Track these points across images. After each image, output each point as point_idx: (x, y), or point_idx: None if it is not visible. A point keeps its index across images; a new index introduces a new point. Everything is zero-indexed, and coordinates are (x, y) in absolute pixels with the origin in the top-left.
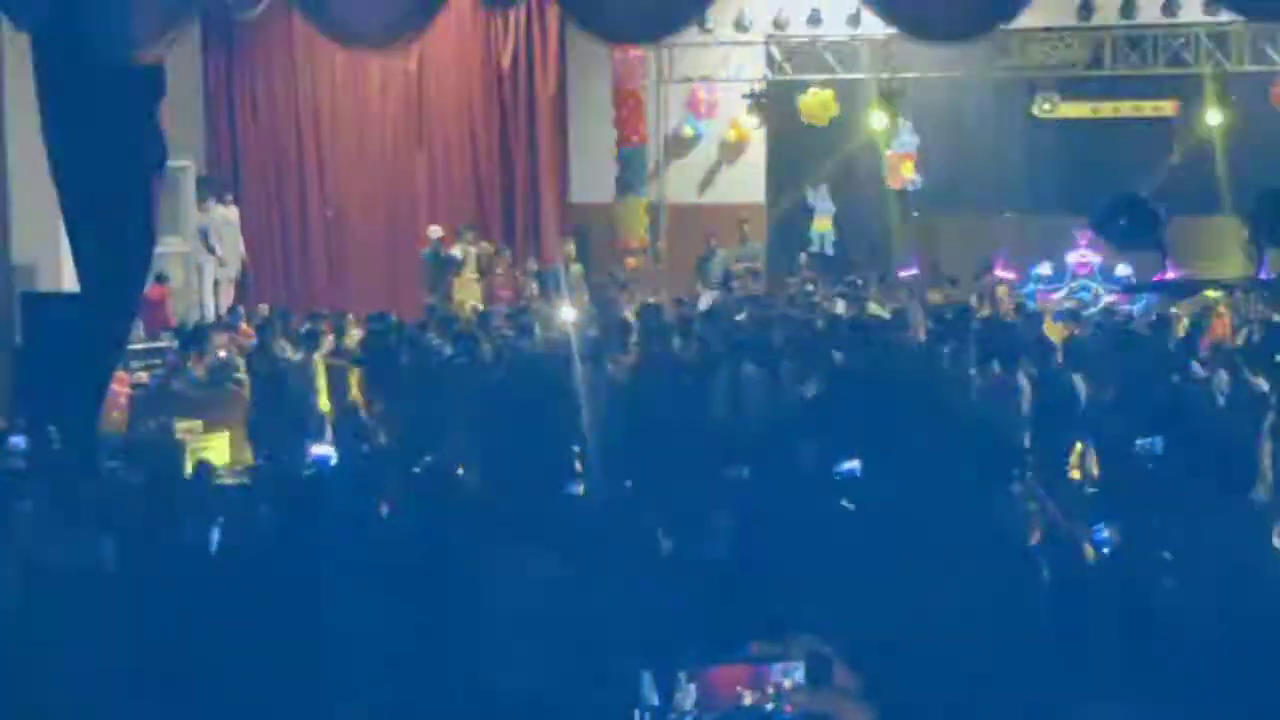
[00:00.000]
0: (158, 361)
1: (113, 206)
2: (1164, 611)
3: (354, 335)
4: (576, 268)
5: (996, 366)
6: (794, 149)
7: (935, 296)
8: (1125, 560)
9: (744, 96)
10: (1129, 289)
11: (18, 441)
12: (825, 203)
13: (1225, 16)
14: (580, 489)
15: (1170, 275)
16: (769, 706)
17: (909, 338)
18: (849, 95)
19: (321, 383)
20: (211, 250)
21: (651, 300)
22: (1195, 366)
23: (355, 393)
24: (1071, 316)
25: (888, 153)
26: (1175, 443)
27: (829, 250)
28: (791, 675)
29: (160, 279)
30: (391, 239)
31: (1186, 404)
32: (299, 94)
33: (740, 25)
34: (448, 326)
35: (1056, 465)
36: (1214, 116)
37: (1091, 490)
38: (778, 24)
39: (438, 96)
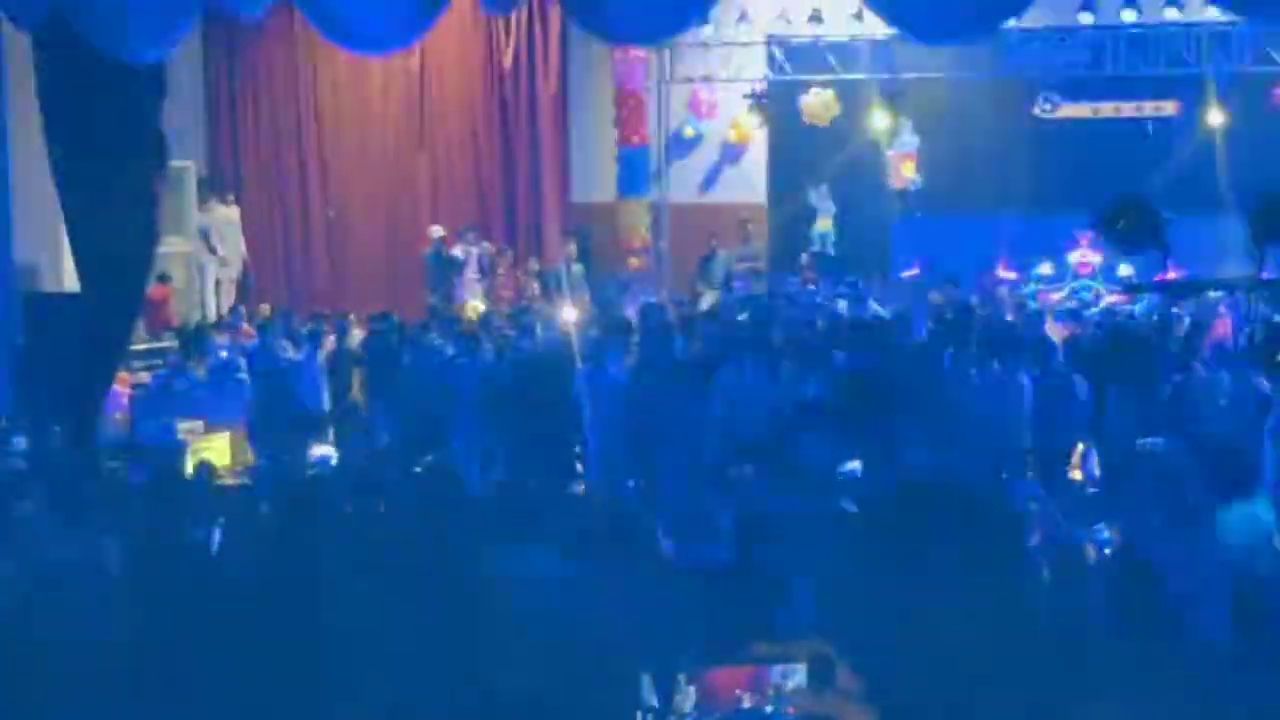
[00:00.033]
0: (159, 361)
1: (114, 206)
2: (1165, 612)
3: (356, 335)
4: (578, 268)
5: (997, 366)
6: (795, 149)
7: (936, 297)
8: (1126, 561)
9: (745, 96)
10: (1130, 289)
11: (19, 441)
12: (826, 203)
13: (1226, 17)
14: (581, 489)
15: (1171, 275)
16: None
17: (910, 338)
18: (850, 95)
19: (323, 383)
20: (213, 250)
21: (653, 300)
22: (1197, 367)
23: (357, 393)
24: (1073, 316)
25: (889, 153)
26: (1177, 443)
27: (830, 250)
28: (794, 677)
29: (162, 279)
30: (393, 239)
31: (1188, 404)
32: (301, 94)
33: (742, 25)
34: (449, 327)
35: (1058, 465)
36: (1215, 117)
37: (1092, 491)
38: (779, 24)
39: (439, 97)
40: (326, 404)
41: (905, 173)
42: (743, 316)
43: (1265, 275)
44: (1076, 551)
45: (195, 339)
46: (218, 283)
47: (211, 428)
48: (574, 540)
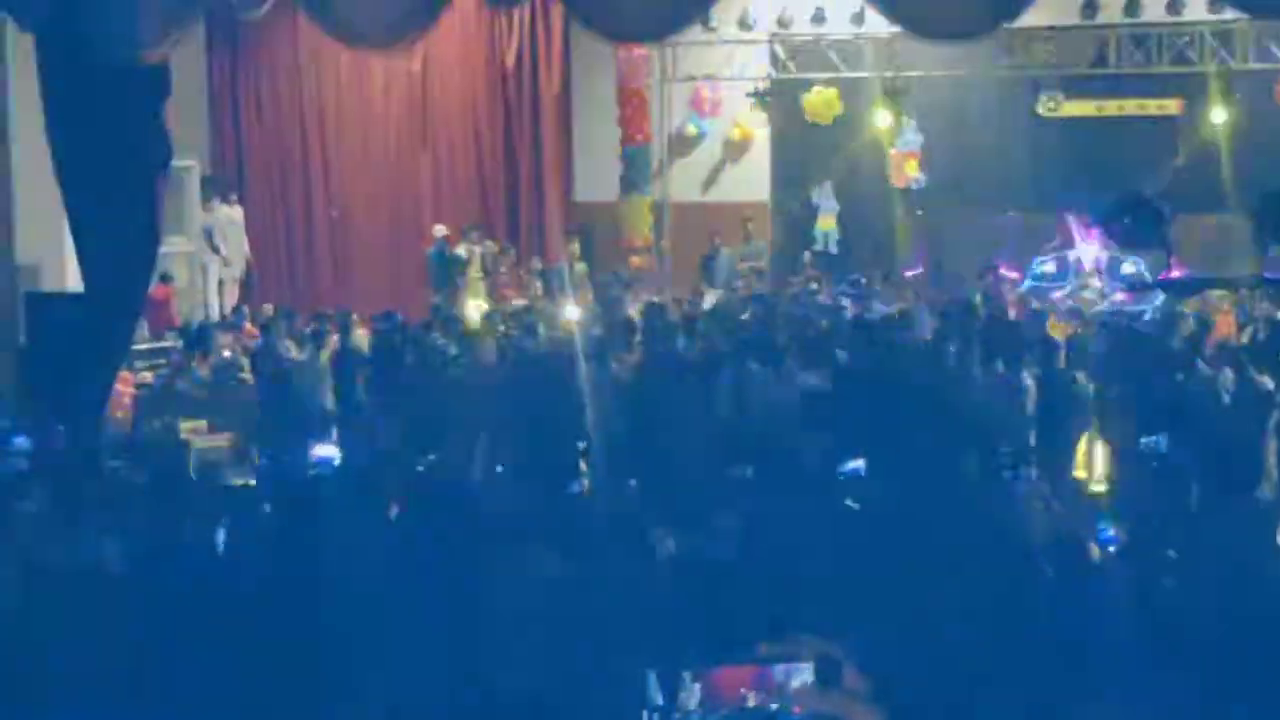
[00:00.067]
0: (162, 361)
1: (117, 206)
2: (1168, 611)
3: (359, 335)
4: (581, 267)
5: (1001, 365)
6: (798, 147)
7: (939, 295)
8: (1130, 559)
9: (748, 95)
10: (1134, 287)
11: (22, 441)
12: (829, 201)
13: (1230, 14)
14: (584, 488)
15: (1175, 274)
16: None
17: (913, 337)
18: (853, 94)
19: (326, 383)
20: (216, 250)
21: (656, 299)
22: (1200, 365)
23: (360, 393)
24: (1076, 315)
25: (892, 151)
26: (1180, 441)
27: (833, 249)
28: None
29: (165, 279)
30: (396, 238)
31: (1191, 403)
32: (303, 93)
33: (744, 24)
34: (452, 326)
35: (1062, 464)
36: (1219, 115)
37: (1096, 489)
38: (782, 22)
39: (442, 96)
40: (329, 404)
41: (908, 171)
42: (746, 315)
43: (1268, 274)
44: (1081, 551)
45: (198, 339)
46: (220, 282)
47: (214, 427)
48: (576, 540)
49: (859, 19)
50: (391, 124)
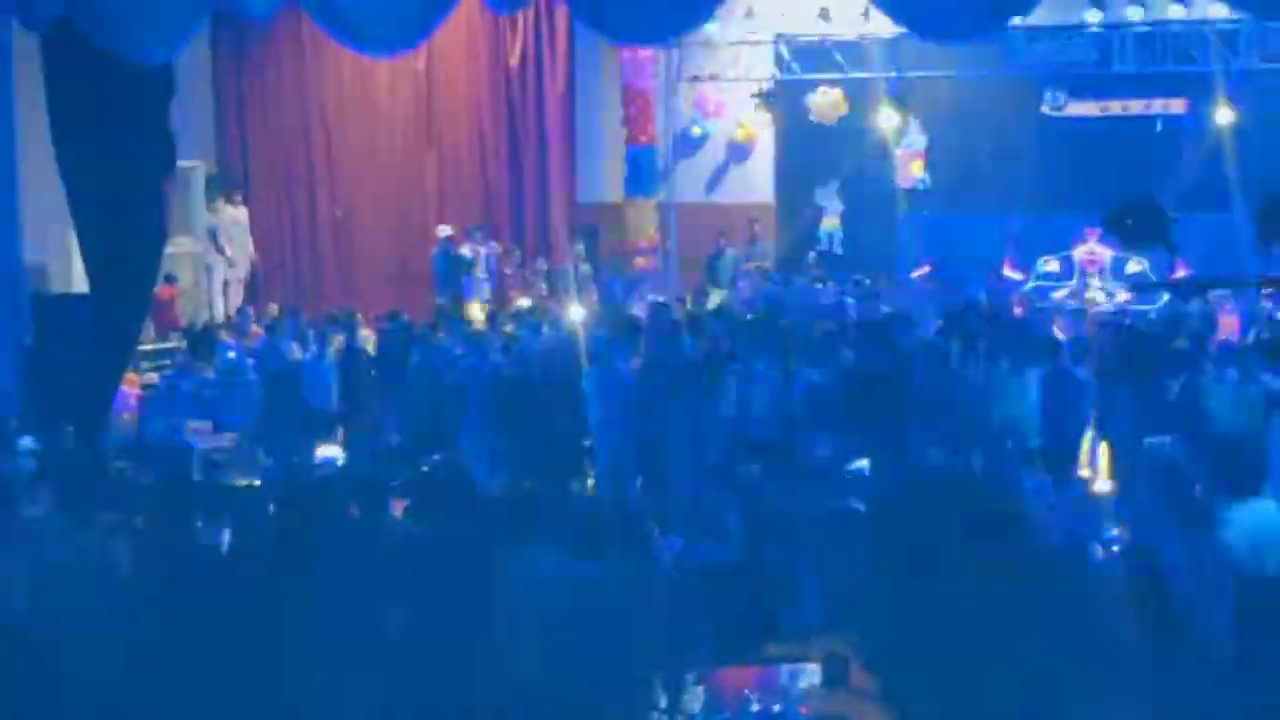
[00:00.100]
0: (167, 362)
1: (122, 207)
2: (1173, 610)
3: (364, 335)
4: (586, 267)
5: (1005, 365)
6: (803, 148)
7: (944, 295)
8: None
9: (753, 96)
10: (1138, 287)
11: (28, 442)
12: (834, 202)
13: (1235, 14)
14: (590, 488)
15: (1180, 274)
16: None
17: (918, 336)
18: (858, 94)
19: (331, 383)
20: (221, 250)
21: (661, 299)
22: (1205, 365)
23: (365, 393)
24: (1080, 314)
25: (897, 152)
26: (1184, 441)
27: (838, 249)
28: (806, 677)
29: (170, 279)
30: (401, 239)
31: (1195, 403)
32: (309, 94)
33: (749, 24)
34: (457, 326)
35: (1065, 464)
36: (1223, 115)
37: (1100, 489)
38: (787, 23)
39: (447, 96)
40: (335, 404)
41: (913, 171)
42: (750, 316)
43: (1273, 274)
44: (1084, 550)
45: (203, 339)
46: (226, 283)
47: (219, 428)
48: (582, 540)
49: (864, 19)
50: (396, 124)
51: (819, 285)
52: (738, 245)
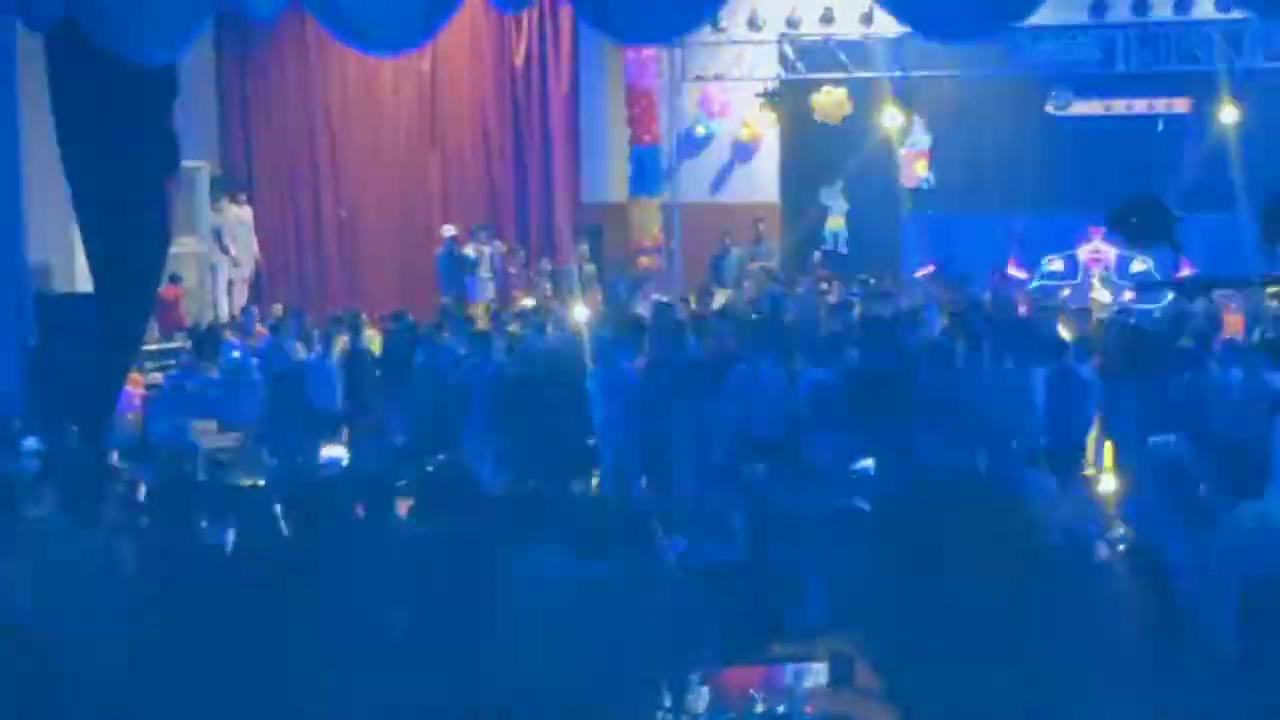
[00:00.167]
0: (171, 362)
1: (127, 207)
2: (1177, 609)
3: (368, 335)
4: (590, 267)
5: (1010, 364)
6: (807, 148)
7: (949, 294)
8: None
9: (757, 95)
10: (1143, 286)
11: (32, 442)
12: (839, 201)
13: (1238, 13)
14: (594, 488)
15: (1184, 273)
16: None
17: (923, 336)
18: (862, 94)
19: (336, 383)
20: (225, 250)
21: (665, 299)
22: (1209, 364)
23: (370, 393)
24: (1085, 313)
25: (901, 151)
26: (1189, 440)
27: (843, 249)
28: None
29: (174, 279)
30: (405, 239)
31: (1200, 402)
32: (313, 95)
33: (753, 24)
34: (462, 326)
35: (1070, 463)
36: (1227, 114)
37: (1105, 488)
38: (791, 23)
39: (451, 96)
40: (339, 404)
41: (917, 171)
42: (755, 315)
43: (1277, 273)
44: (1088, 549)
45: (207, 339)
46: (230, 283)
47: (224, 428)
48: (587, 540)
49: (868, 19)
50: (401, 124)
51: (823, 285)
52: (742, 245)
